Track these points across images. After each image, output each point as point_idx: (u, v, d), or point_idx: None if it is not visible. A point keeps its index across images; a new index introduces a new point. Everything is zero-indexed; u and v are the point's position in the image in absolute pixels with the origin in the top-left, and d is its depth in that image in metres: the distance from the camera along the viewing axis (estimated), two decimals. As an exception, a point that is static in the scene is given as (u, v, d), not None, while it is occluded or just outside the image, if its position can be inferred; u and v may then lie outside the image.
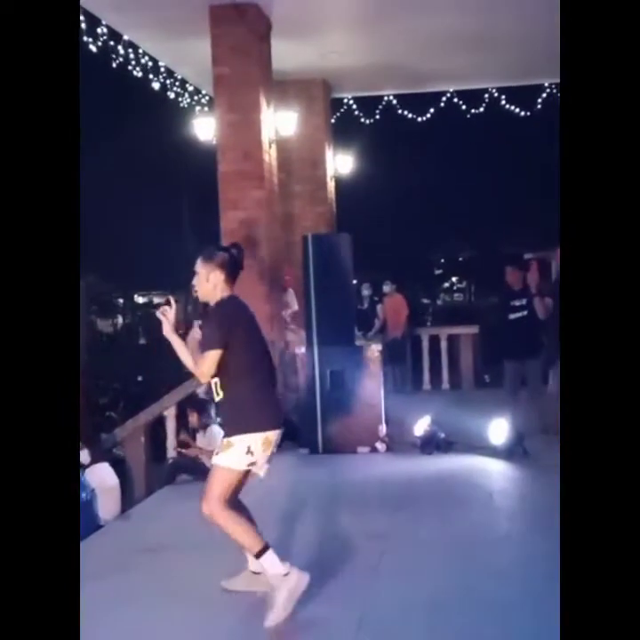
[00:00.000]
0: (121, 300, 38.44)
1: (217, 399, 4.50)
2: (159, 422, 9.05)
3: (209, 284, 4.47)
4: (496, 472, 7.82)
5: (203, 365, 4.36)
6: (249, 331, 4.49)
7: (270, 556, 4.30)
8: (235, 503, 4.49)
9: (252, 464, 4.40)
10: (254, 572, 4.67)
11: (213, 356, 4.32)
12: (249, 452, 4.34)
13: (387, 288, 13.99)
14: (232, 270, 4.50)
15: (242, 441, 4.34)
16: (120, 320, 33.86)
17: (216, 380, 4.40)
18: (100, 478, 7.49)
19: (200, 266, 4.49)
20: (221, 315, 4.44)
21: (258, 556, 4.31)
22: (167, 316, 4.43)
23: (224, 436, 4.48)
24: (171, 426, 8.96)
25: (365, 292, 13.98)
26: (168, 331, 4.43)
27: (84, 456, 7.61)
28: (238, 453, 4.35)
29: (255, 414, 4.41)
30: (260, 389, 4.47)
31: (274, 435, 4.44)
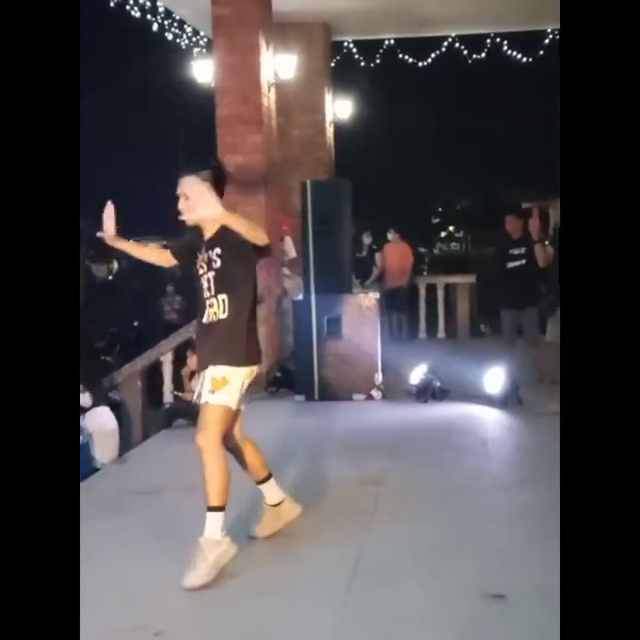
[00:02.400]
0: (117, 245, 38.17)
1: (217, 318, 4.29)
2: (156, 367, 9.07)
3: (208, 203, 4.02)
4: (491, 420, 7.87)
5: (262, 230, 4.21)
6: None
7: (219, 518, 4.17)
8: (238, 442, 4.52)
9: (240, 401, 4.36)
10: (274, 505, 4.67)
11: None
12: (242, 388, 4.31)
13: (391, 236, 13.92)
14: (223, 186, 4.31)
15: (238, 376, 4.25)
16: (115, 265, 33.71)
17: (224, 296, 4.27)
18: (100, 422, 7.52)
19: (194, 184, 4.10)
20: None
21: (209, 509, 4.17)
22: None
23: (215, 363, 4.27)
24: (167, 371, 8.98)
25: (366, 240, 13.92)
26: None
27: (86, 399, 7.63)
28: (235, 391, 4.26)
29: (254, 346, 4.37)
30: (254, 321, 4.44)
31: (257, 368, 4.42)
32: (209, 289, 4.32)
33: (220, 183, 4.29)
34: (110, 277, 20.61)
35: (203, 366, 4.37)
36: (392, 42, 14.65)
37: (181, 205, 4.27)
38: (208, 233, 4.38)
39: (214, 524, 4.17)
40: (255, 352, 4.41)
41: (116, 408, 8.34)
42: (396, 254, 13.63)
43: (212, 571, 4.12)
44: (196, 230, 4.43)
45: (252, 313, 4.38)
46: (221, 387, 4.23)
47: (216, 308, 4.31)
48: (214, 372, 4.26)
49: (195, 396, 4.47)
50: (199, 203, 4.03)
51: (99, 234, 4.46)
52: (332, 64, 14.63)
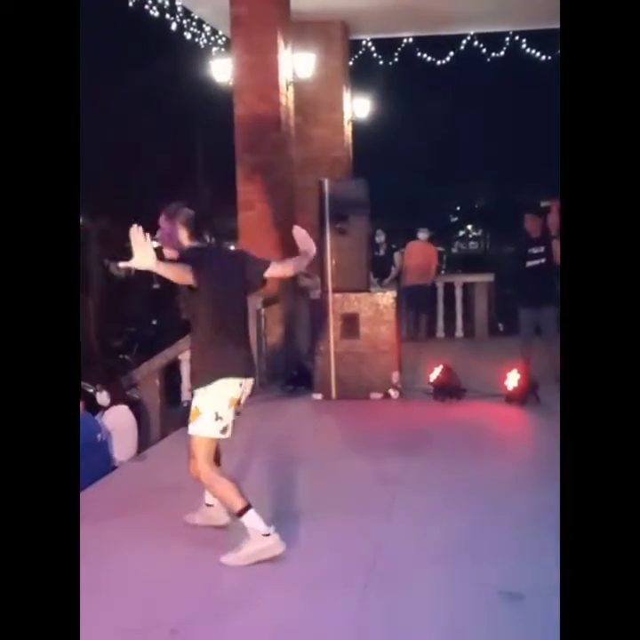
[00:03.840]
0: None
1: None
2: (174, 366, 9.10)
3: (173, 241, 4.49)
4: (509, 419, 7.84)
5: (172, 269, 4.25)
6: (212, 278, 4.37)
7: (252, 514, 4.34)
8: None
9: (225, 429, 4.40)
10: (208, 505, 4.86)
11: (181, 268, 4.23)
12: (218, 418, 4.36)
13: (423, 235, 13.88)
14: (195, 226, 4.53)
15: (209, 402, 4.35)
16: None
17: (188, 319, 4.52)
18: (118, 420, 7.55)
19: (163, 222, 4.52)
20: (188, 257, 4.39)
21: (239, 514, 4.35)
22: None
23: (194, 388, 4.50)
24: (185, 369, 9.00)
25: (378, 238, 13.85)
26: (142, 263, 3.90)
27: (104, 398, 7.66)
28: (207, 421, 4.37)
29: (213, 365, 4.39)
30: (221, 341, 4.41)
31: (238, 391, 4.45)
32: None
33: (195, 225, 4.54)
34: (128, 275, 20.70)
35: None
36: (410, 40, 14.60)
37: (158, 236, 4.52)
38: None
39: (251, 522, 4.33)
40: (230, 365, 4.42)
41: (135, 406, 8.36)
42: (420, 253, 13.61)
43: (250, 559, 4.30)
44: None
45: (208, 327, 4.41)
46: (195, 417, 4.40)
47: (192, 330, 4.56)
48: (194, 399, 4.46)
49: None
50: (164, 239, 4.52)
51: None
52: (351, 63, 14.61)
